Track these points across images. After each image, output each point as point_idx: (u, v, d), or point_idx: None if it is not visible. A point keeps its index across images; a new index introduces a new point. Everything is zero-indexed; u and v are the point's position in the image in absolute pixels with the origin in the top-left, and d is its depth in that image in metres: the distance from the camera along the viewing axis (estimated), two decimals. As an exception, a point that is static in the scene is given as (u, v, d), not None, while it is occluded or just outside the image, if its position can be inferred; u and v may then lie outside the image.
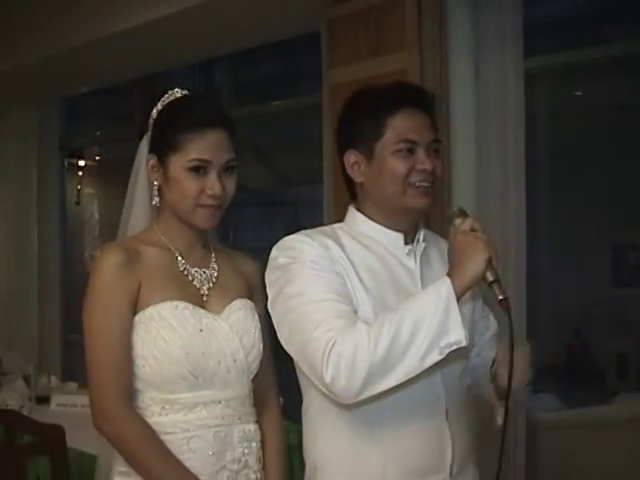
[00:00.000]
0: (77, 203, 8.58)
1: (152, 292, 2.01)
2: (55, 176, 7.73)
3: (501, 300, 1.78)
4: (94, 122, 8.61)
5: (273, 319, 1.96)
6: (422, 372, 1.77)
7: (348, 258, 1.95)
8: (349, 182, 2.12)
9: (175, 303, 2.01)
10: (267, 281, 1.99)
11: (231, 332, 2.07)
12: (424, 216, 2.13)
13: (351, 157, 2.06)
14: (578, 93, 6.88)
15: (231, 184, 2.07)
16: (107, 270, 1.98)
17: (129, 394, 1.99)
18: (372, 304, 1.91)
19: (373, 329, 1.75)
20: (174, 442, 1.98)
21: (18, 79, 6.63)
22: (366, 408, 1.89)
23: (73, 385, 4.87)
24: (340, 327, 1.78)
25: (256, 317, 2.15)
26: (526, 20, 4.25)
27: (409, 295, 1.89)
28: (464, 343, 1.74)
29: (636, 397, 5.06)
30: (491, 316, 2.22)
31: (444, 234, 2.11)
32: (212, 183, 2.01)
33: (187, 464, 1.97)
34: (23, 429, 3.14)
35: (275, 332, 1.99)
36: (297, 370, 2.05)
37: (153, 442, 1.96)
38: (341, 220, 2.14)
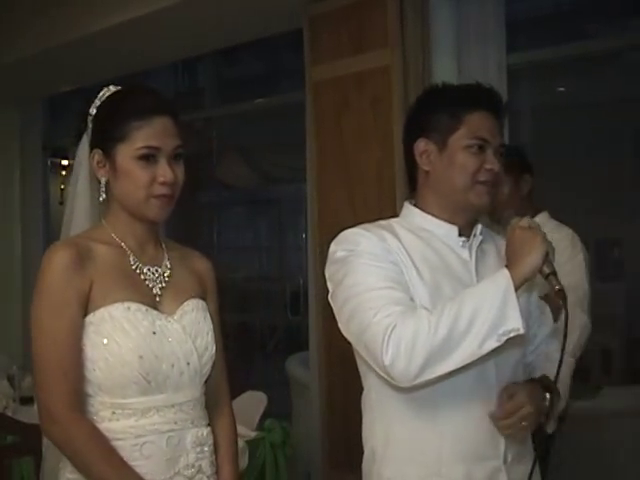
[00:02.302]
0: (61, 203, 8.54)
1: (104, 292, 1.92)
2: (38, 176, 7.73)
3: (558, 290, 1.88)
4: (77, 121, 8.58)
5: (334, 309, 2.03)
6: (477, 360, 1.85)
7: (404, 248, 2.02)
8: (412, 172, 2.18)
9: (127, 304, 1.92)
10: (327, 275, 2.07)
11: (184, 334, 2.00)
12: (483, 213, 2.19)
13: (421, 145, 2.10)
14: (561, 89, 6.91)
15: (180, 172, 1.99)
16: (57, 268, 1.89)
17: (77, 397, 1.90)
18: (428, 292, 1.97)
19: (433, 315, 1.83)
20: (125, 448, 1.90)
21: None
22: (423, 393, 1.95)
23: (57, 385, 4.84)
24: (399, 312, 1.86)
25: (208, 318, 2.09)
26: (508, 16, 4.27)
27: (463, 285, 1.99)
28: (522, 331, 1.80)
29: (620, 392, 5.08)
30: (547, 311, 2.27)
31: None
32: (163, 170, 1.94)
33: (139, 470, 1.89)
34: (7, 429, 3.13)
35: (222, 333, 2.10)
36: (357, 359, 2.12)
37: (101, 447, 1.87)
38: (395, 215, 2.21)
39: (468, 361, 1.83)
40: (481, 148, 2.05)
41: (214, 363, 2.10)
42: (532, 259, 1.86)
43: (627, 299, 7.24)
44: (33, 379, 1.94)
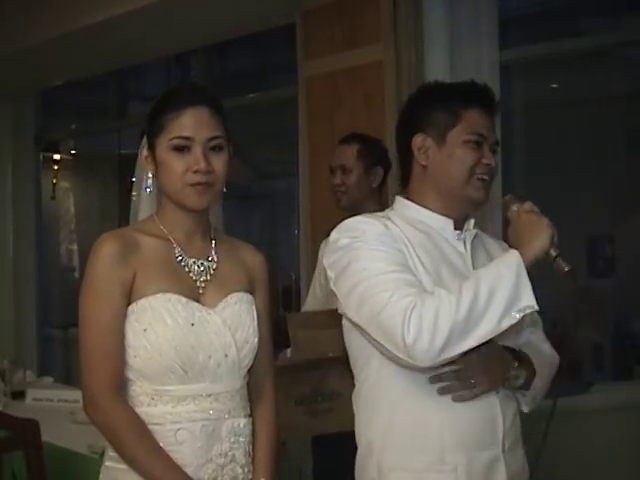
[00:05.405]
0: (53, 197, 8.52)
1: (147, 283, 2.01)
2: (30, 170, 7.71)
3: (568, 271, 1.95)
4: (69, 115, 8.56)
5: (338, 296, 2.06)
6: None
7: (406, 237, 2.05)
8: (406, 167, 2.22)
9: (168, 295, 2.00)
10: (326, 263, 2.11)
11: (224, 326, 2.05)
12: (479, 207, 2.23)
13: (419, 140, 2.15)
14: (554, 85, 6.91)
15: (219, 162, 2.05)
16: (102, 259, 1.99)
17: (119, 382, 1.99)
18: (431, 280, 2.01)
19: (452, 294, 1.87)
20: (162, 433, 1.98)
21: (-9, 72, 6.59)
22: (421, 381, 2.00)
23: (49, 380, 4.84)
24: (416, 293, 1.89)
25: (253, 311, 2.15)
26: (501, 13, 4.27)
27: (462, 276, 2.03)
28: (536, 307, 1.89)
29: (611, 387, 5.09)
30: None
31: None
32: (196, 159, 2.00)
33: (173, 455, 1.97)
34: (-2, 424, 3.12)
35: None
36: (350, 351, 2.17)
37: (139, 431, 1.96)
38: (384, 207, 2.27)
39: (488, 338, 1.89)
40: (478, 144, 2.11)
41: (257, 356, 2.16)
42: (541, 241, 1.94)
43: (619, 295, 7.25)
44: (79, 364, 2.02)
